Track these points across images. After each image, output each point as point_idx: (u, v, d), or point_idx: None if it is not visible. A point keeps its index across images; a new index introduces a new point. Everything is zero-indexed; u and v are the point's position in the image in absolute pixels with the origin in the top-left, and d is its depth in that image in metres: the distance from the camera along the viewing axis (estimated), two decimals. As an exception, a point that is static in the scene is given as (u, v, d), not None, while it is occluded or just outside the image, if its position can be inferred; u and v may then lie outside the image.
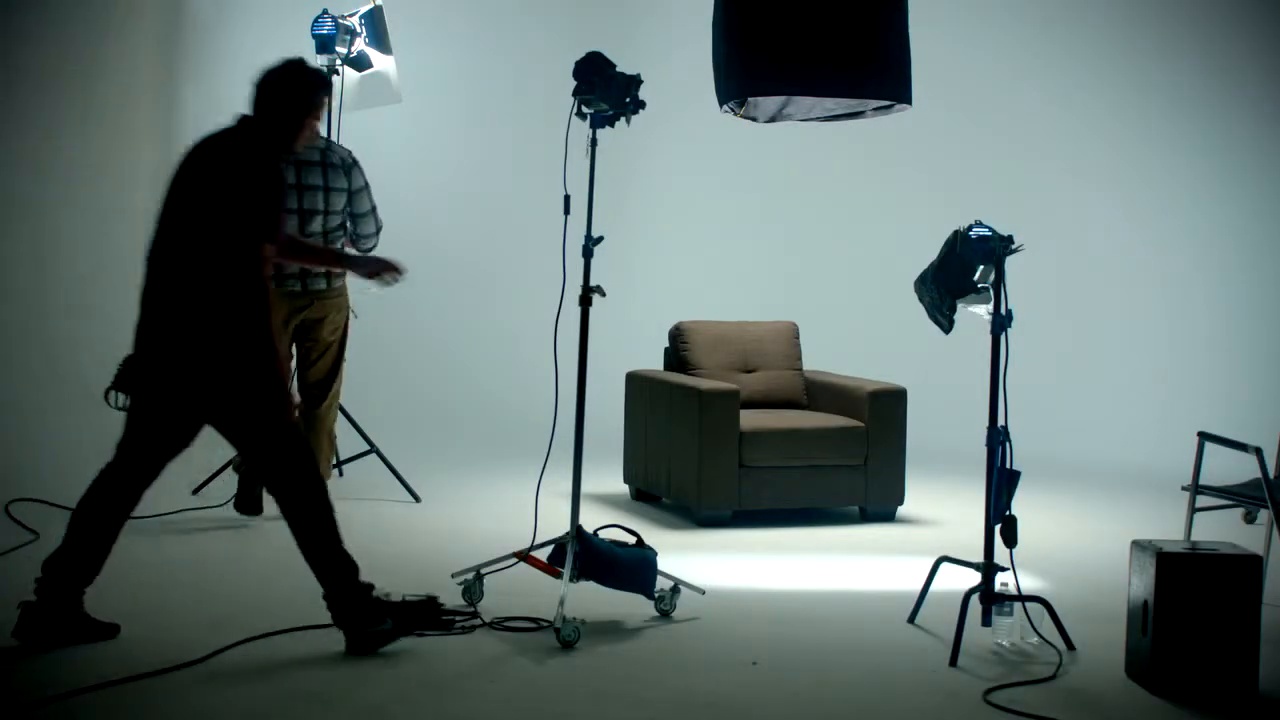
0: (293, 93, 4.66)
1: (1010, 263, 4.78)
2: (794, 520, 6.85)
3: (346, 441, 7.36)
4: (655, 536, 6.47)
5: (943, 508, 7.27)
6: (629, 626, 4.96)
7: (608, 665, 4.53)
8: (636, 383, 7.45)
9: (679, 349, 7.42)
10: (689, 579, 5.24)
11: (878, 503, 6.99)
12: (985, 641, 4.78)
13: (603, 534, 5.11)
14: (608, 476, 7.61)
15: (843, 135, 8.15)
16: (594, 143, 5.06)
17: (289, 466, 4.53)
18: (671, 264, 9.80)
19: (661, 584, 5.10)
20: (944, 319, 4.95)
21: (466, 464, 8.18)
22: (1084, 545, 6.53)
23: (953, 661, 4.58)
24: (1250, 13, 9.38)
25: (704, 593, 5.22)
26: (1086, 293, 9.65)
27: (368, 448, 7.26)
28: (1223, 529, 5.72)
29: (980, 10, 9.69)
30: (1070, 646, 4.76)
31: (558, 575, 4.88)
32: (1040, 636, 4.78)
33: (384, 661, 4.45)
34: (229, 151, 4.58)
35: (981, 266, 4.78)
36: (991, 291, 4.78)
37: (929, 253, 4.99)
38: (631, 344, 8.66)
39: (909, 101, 5.29)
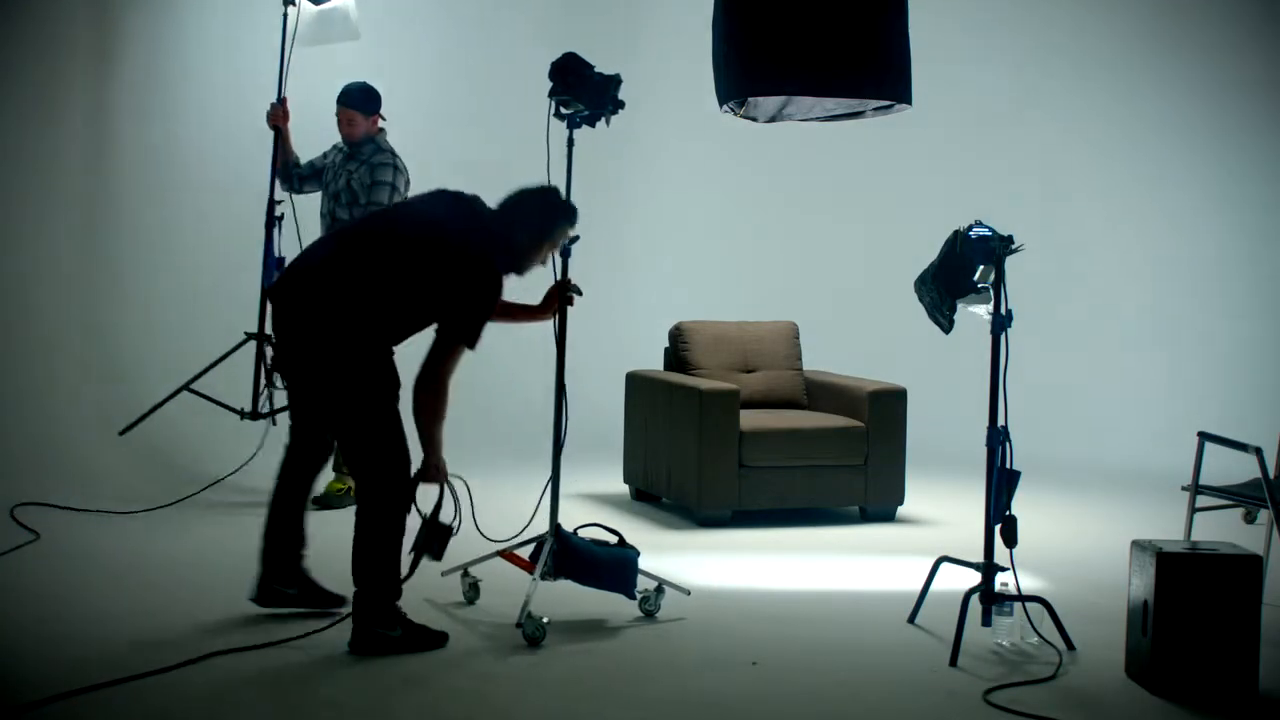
0: (538, 218, 4.77)
1: (1010, 263, 4.78)
2: (794, 520, 6.85)
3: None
4: (655, 536, 6.48)
5: (943, 508, 7.27)
6: (628, 627, 4.95)
7: (607, 665, 4.53)
8: (636, 383, 7.45)
9: (679, 349, 7.42)
10: (688, 579, 5.24)
11: (878, 503, 6.99)
12: (985, 641, 4.78)
13: (584, 533, 5.10)
14: (608, 476, 7.61)
15: (843, 135, 8.15)
16: (571, 143, 5.04)
17: (372, 471, 4.56)
18: (671, 264, 9.79)
19: (646, 584, 5.10)
20: (944, 319, 4.95)
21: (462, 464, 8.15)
22: (1084, 545, 6.53)
23: (953, 661, 4.58)
24: (1251, 14, 9.39)
25: (689, 593, 5.21)
26: (1087, 293, 9.65)
27: None
28: (1223, 529, 5.71)
29: (980, 10, 9.69)
30: (1070, 646, 4.76)
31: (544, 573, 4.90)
32: (1040, 636, 4.78)
33: (383, 662, 4.44)
34: (464, 250, 4.65)
35: (981, 266, 4.77)
36: (991, 291, 4.78)
37: (929, 253, 4.99)
38: (631, 344, 8.66)
39: (909, 101, 5.29)
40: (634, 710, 4.13)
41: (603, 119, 5.03)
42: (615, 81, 4.99)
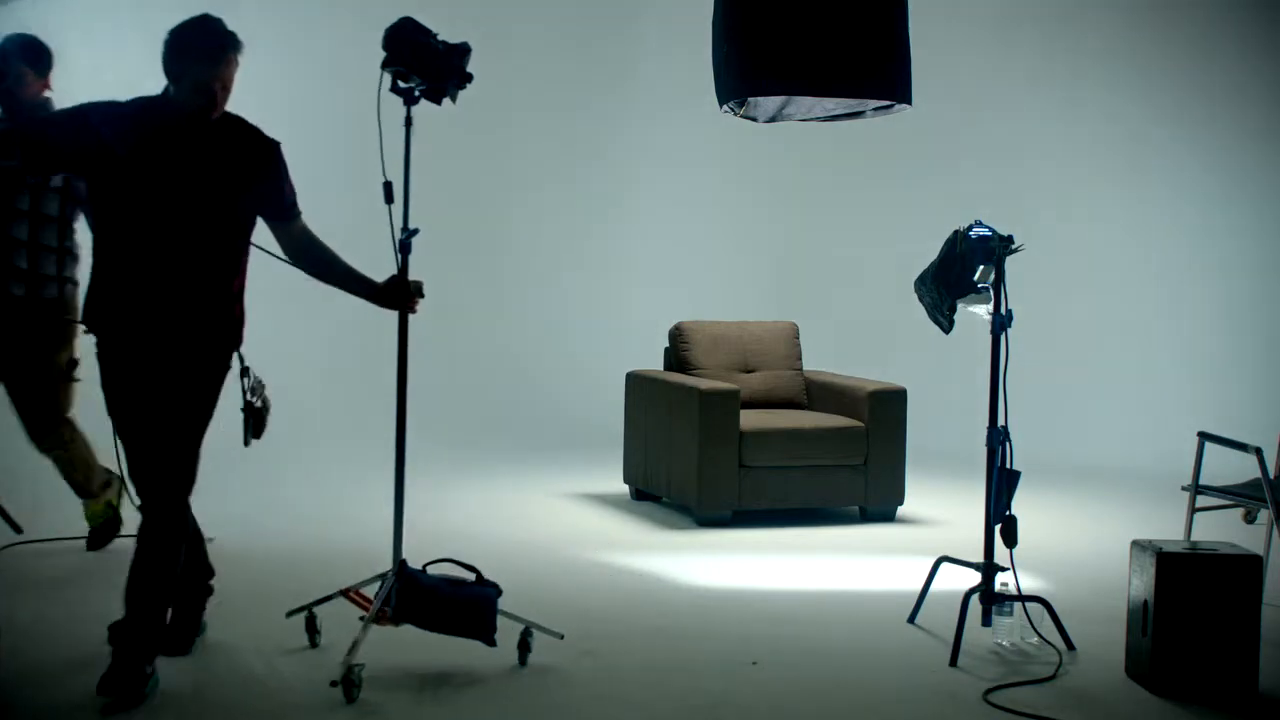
0: (168, 56, 4.06)
1: (1010, 263, 4.78)
2: (794, 520, 6.85)
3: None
4: (655, 536, 6.49)
5: (943, 508, 7.27)
6: (627, 628, 4.95)
7: (607, 666, 4.53)
8: (636, 383, 7.44)
9: (679, 349, 7.42)
10: (688, 579, 5.23)
11: (878, 503, 6.98)
12: (985, 641, 4.78)
13: (435, 569, 4.45)
14: (608, 476, 7.60)
15: (843, 135, 8.15)
16: (409, 122, 4.30)
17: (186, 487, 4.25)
18: (671, 264, 9.80)
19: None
20: (944, 319, 4.95)
21: (465, 465, 8.15)
22: (1084, 545, 6.53)
23: (953, 661, 4.58)
24: (1250, 14, 9.39)
25: (562, 637, 4.59)
26: (1086, 293, 9.65)
27: None
28: (1223, 529, 5.71)
29: (981, 10, 9.70)
30: (1070, 646, 4.76)
31: (384, 617, 4.26)
32: (1040, 636, 4.78)
33: (382, 664, 4.44)
34: None
35: (981, 266, 4.78)
36: (991, 291, 4.78)
37: (929, 253, 4.99)
38: (631, 344, 8.66)
39: (909, 101, 5.29)
40: (635, 711, 4.13)
41: (447, 95, 4.31)
42: (461, 51, 4.28)
